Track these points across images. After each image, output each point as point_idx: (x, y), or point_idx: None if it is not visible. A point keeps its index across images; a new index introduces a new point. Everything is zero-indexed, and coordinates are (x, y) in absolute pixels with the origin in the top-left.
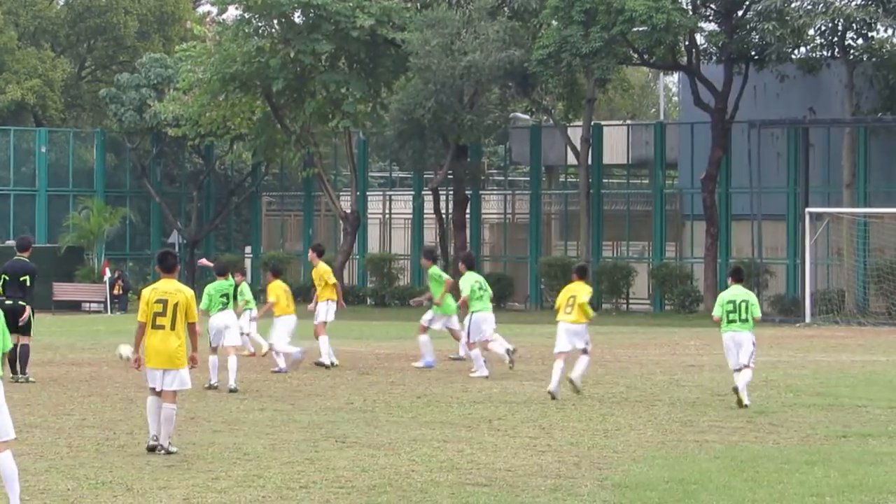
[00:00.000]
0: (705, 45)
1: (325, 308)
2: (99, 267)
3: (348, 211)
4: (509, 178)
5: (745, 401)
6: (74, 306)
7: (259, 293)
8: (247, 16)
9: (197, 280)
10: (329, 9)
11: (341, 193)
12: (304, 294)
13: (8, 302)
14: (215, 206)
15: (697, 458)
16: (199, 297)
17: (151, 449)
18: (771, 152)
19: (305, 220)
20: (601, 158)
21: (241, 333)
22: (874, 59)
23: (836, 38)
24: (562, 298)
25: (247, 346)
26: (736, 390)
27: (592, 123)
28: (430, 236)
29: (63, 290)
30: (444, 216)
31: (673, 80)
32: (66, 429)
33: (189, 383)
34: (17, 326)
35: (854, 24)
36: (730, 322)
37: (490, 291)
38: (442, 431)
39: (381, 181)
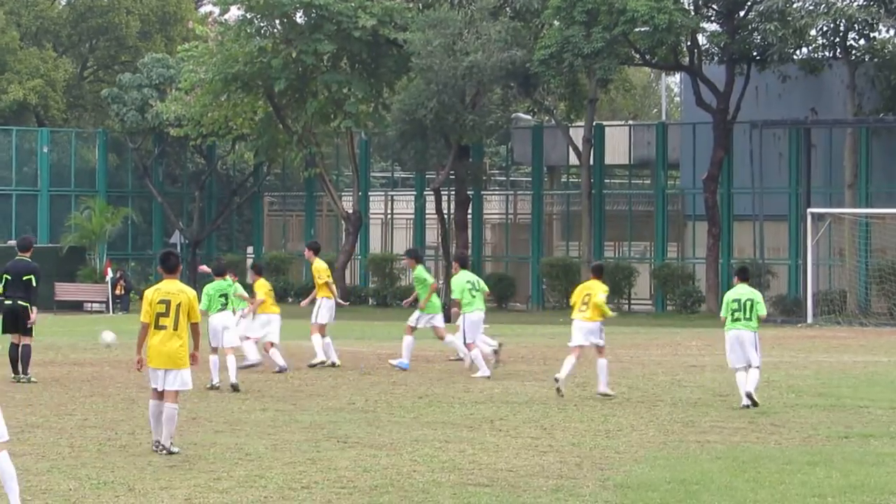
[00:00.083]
0: (707, 46)
1: (318, 306)
2: (101, 267)
3: (350, 211)
4: (511, 179)
5: (749, 389)
6: (76, 306)
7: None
8: (249, 16)
9: (199, 280)
10: (331, 9)
11: (343, 194)
12: (307, 294)
13: (7, 302)
14: (217, 206)
15: (699, 458)
16: (198, 298)
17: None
18: (773, 153)
19: (307, 220)
20: (603, 159)
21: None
22: (876, 60)
23: (837, 39)
24: (577, 296)
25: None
26: (750, 395)
27: (594, 124)
28: (432, 236)
29: (65, 291)
30: (445, 216)
31: (675, 80)
32: (67, 429)
33: (190, 384)
34: (19, 326)
35: (856, 25)
36: (734, 321)
37: (484, 290)
38: (444, 432)
39: (383, 181)
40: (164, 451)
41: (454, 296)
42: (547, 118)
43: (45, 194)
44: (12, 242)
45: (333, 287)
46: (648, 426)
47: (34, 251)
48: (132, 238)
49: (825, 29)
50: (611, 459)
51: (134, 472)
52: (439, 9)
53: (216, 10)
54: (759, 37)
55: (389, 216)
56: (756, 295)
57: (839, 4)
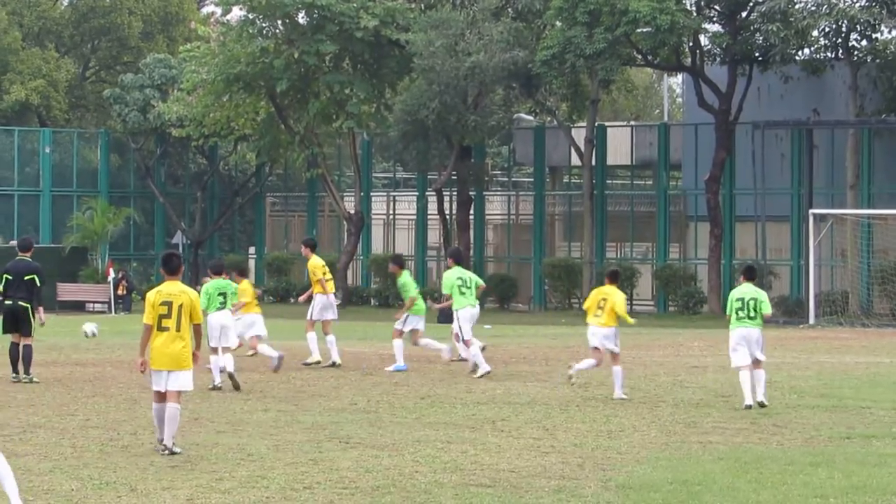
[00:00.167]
0: (709, 47)
1: (313, 303)
2: (103, 267)
3: (352, 212)
4: (513, 179)
5: (759, 398)
6: (78, 306)
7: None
8: (251, 16)
9: (201, 281)
10: (333, 9)
11: (345, 194)
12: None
13: (7, 302)
14: (219, 206)
15: (701, 459)
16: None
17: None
18: (775, 153)
19: (309, 220)
20: (605, 159)
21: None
22: (878, 61)
23: (839, 40)
24: (592, 301)
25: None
26: (761, 404)
27: (596, 124)
28: (434, 237)
29: (67, 291)
30: (447, 217)
31: (677, 81)
32: (70, 429)
33: (191, 385)
34: (19, 327)
35: (858, 26)
36: (739, 319)
37: (478, 284)
38: (446, 432)
39: (385, 182)
40: (167, 452)
41: (444, 291)
42: (549, 119)
43: (48, 195)
44: (14, 243)
45: (327, 284)
46: (650, 427)
47: (36, 251)
48: (134, 238)
49: (827, 30)
50: (613, 460)
51: (136, 473)
52: (441, 9)
53: (218, 11)
54: (761, 37)
55: (391, 217)
56: (760, 294)
57: (841, 5)
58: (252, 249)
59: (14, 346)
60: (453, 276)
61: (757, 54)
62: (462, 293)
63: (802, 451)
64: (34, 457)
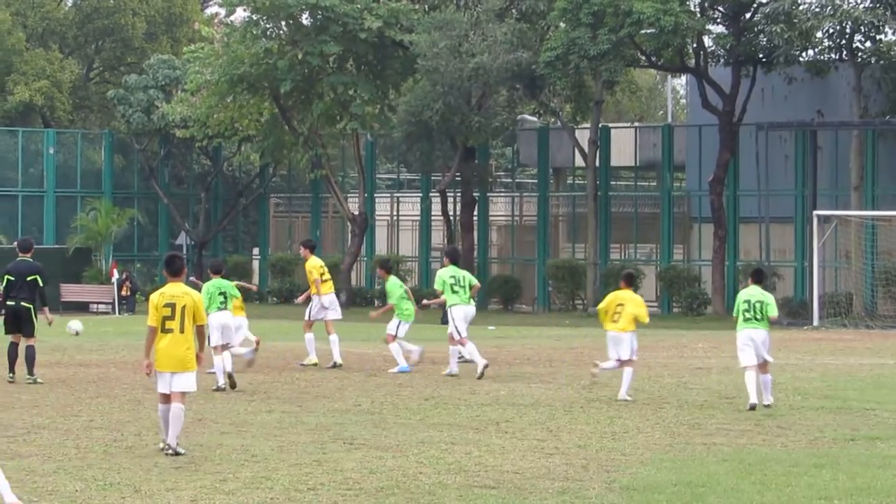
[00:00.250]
0: (713, 48)
1: (310, 304)
2: (107, 268)
3: (356, 213)
4: (517, 180)
5: (766, 401)
6: (82, 307)
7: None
8: (255, 17)
9: (204, 282)
10: (337, 10)
11: (349, 195)
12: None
13: (10, 303)
14: (223, 207)
15: (705, 460)
16: None
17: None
18: (779, 155)
19: (313, 221)
20: (609, 161)
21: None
22: (882, 62)
23: (843, 41)
24: (609, 305)
25: (249, 337)
26: (768, 406)
27: (600, 125)
28: (438, 238)
29: (71, 291)
30: (451, 218)
31: (681, 82)
32: (73, 430)
33: (195, 387)
34: (21, 328)
35: (862, 27)
36: (746, 320)
37: (472, 284)
38: (450, 434)
39: (389, 183)
40: (171, 452)
41: (436, 287)
42: (553, 120)
43: (51, 195)
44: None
45: (322, 285)
46: (654, 428)
47: (40, 252)
48: (138, 239)
49: (831, 31)
50: (617, 462)
51: (140, 474)
52: (445, 10)
53: (222, 12)
54: (765, 39)
55: (395, 218)
56: (766, 297)
57: (845, 7)
58: (256, 250)
59: (13, 346)
60: (446, 274)
61: (761, 55)
62: (455, 291)
63: (807, 453)
64: (38, 458)
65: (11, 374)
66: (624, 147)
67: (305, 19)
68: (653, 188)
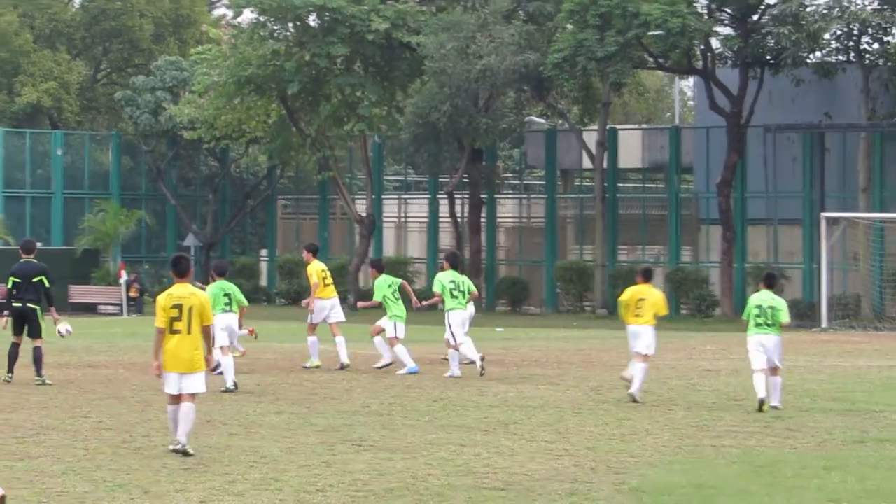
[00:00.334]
0: (721, 49)
1: (317, 307)
2: (115, 269)
3: (364, 214)
4: (524, 182)
5: (773, 403)
6: (90, 309)
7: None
8: (262, 19)
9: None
10: (344, 12)
11: (357, 197)
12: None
13: (16, 304)
14: (231, 209)
15: (714, 462)
16: None
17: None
18: (786, 157)
19: (321, 223)
20: (616, 162)
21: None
22: (890, 64)
23: (851, 43)
24: (630, 299)
25: (237, 347)
26: (762, 409)
27: (608, 127)
28: (446, 240)
29: (79, 293)
30: (459, 220)
31: (688, 84)
32: (82, 431)
33: (204, 388)
34: (29, 329)
35: (870, 29)
36: (757, 325)
37: (471, 291)
38: (458, 435)
39: (397, 184)
40: (180, 447)
41: (435, 289)
42: (560, 122)
43: (59, 197)
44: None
45: (323, 290)
46: (663, 430)
47: (48, 253)
48: (146, 240)
49: (839, 33)
50: (626, 463)
51: (149, 475)
52: (452, 12)
53: (229, 13)
54: (772, 40)
55: (403, 219)
56: (778, 302)
57: (853, 8)
58: (263, 252)
59: (14, 347)
60: (446, 279)
61: (768, 57)
62: (454, 296)
63: (816, 455)
64: (47, 459)
65: (10, 375)
66: (631, 149)
67: (313, 21)
68: (660, 190)
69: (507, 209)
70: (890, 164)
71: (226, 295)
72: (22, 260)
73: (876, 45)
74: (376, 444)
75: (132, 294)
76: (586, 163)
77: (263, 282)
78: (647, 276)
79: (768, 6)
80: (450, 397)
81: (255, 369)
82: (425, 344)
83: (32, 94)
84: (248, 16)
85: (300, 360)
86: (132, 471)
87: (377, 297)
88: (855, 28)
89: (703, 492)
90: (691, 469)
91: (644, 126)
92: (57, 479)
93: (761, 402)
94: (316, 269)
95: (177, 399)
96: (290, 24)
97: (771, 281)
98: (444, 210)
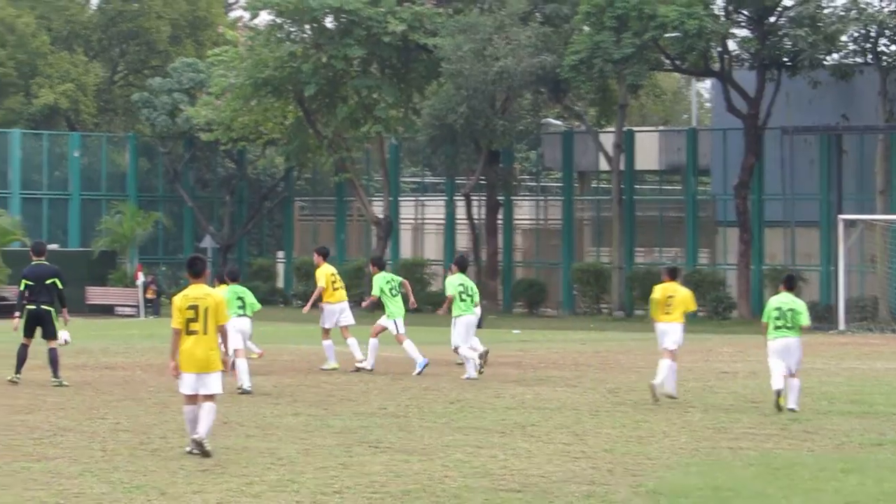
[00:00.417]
0: (737, 51)
1: (323, 312)
2: (132, 271)
3: (381, 216)
4: (541, 184)
5: (790, 405)
6: (107, 310)
7: None
8: (279, 21)
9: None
10: (361, 14)
11: (373, 198)
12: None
13: (30, 307)
14: (248, 210)
15: (731, 465)
16: None
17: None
18: (804, 159)
19: (338, 225)
20: (633, 164)
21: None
22: None
23: (868, 45)
24: (660, 297)
25: (252, 349)
26: (779, 402)
27: (624, 129)
28: (463, 242)
29: (96, 294)
30: (476, 222)
31: (705, 86)
32: (99, 432)
33: (220, 388)
34: (44, 331)
35: (887, 31)
36: (777, 328)
37: (476, 295)
38: (475, 437)
39: (414, 186)
40: (200, 443)
41: (448, 292)
42: (577, 123)
43: (77, 198)
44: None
45: (333, 293)
46: (680, 432)
47: (65, 255)
48: (163, 242)
49: (856, 35)
50: (643, 465)
51: (166, 476)
52: (469, 14)
53: (246, 15)
54: (789, 42)
55: (420, 221)
56: (797, 304)
57: (870, 10)
58: (281, 254)
59: (24, 348)
60: (456, 282)
61: (785, 59)
62: (462, 300)
63: (833, 458)
64: (64, 460)
65: (17, 376)
66: (648, 151)
67: (329, 23)
68: (677, 192)
69: (524, 211)
70: None
71: (239, 298)
72: (34, 262)
73: (893, 47)
74: (393, 446)
75: (149, 295)
76: (603, 165)
77: (280, 283)
78: (674, 275)
79: (785, 8)
80: (467, 399)
81: (272, 371)
82: (431, 346)
83: (50, 95)
84: (264, 18)
85: (317, 362)
86: (149, 472)
87: (374, 292)
88: (872, 30)
89: (720, 494)
90: (708, 471)
91: (661, 128)
92: (74, 480)
93: (778, 394)
94: (325, 273)
95: (192, 399)
96: (307, 26)
97: (791, 283)
98: (460, 212)
